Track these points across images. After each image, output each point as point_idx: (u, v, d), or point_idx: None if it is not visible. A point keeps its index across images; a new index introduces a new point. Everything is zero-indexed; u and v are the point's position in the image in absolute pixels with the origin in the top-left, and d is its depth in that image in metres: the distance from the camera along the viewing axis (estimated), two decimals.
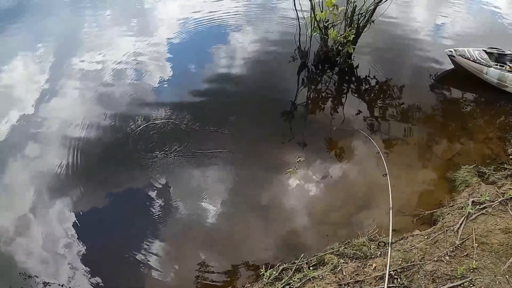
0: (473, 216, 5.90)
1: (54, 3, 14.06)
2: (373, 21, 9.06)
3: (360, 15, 8.94)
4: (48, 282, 6.08)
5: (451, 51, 9.17)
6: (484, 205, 6.05)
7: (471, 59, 8.89)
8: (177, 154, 7.66)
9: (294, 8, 8.91)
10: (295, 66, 10.04)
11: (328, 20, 9.03)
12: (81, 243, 6.51)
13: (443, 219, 6.15)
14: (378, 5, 8.77)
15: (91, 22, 12.65)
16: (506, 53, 9.21)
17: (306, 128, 8.49)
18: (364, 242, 6.02)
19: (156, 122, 8.37)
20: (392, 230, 6.20)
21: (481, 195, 6.29)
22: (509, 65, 8.91)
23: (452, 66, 9.63)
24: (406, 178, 7.16)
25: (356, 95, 9.58)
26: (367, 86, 9.63)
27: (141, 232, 6.59)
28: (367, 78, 9.76)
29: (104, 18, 12.97)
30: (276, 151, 7.79)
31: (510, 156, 7.53)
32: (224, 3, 13.24)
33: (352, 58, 9.80)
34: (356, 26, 8.94)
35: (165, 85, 9.65)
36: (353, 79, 9.93)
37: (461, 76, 9.53)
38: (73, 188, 7.27)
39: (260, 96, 9.06)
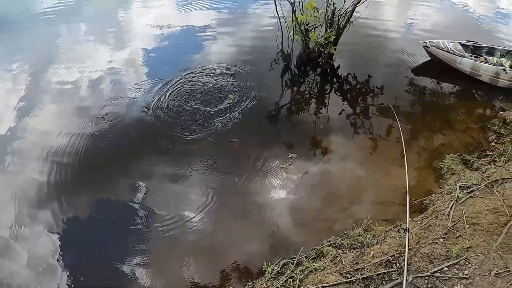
0: (462, 200, 6.14)
1: (28, 19, 13.82)
2: (352, 22, 9.34)
3: (340, 16, 9.17)
4: None
5: (425, 42, 9.63)
6: (471, 189, 6.31)
7: (445, 49, 9.32)
8: (163, 160, 7.72)
9: (276, 12, 9.14)
10: (278, 69, 10.24)
11: (309, 22, 9.24)
12: (66, 257, 6.37)
13: (433, 205, 6.36)
14: (356, 6, 9.04)
15: (65, 36, 12.55)
16: (482, 45, 9.69)
17: (292, 127, 8.63)
18: (359, 233, 6.18)
19: (140, 129, 8.42)
20: (384, 220, 6.56)
21: (468, 180, 6.50)
22: (484, 57, 9.33)
23: (428, 58, 10.03)
24: (394, 171, 7.37)
25: (338, 93, 9.90)
26: (349, 85, 9.95)
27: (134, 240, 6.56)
28: (349, 76, 10.07)
29: (79, 31, 12.87)
30: (267, 150, 7.91)
31: (492, 143, 7.84)
32: (206, 11, 13.50)
33: (334, 58, 10.09)
34: (336, 27, 9.15)
35: (144, 95, 9.53)
36: (335, 78, 10.23)
37: (436, 67, 10.01)
38: (53, 202, 7.14)
39: (244, 99, 9.13)
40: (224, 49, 11.19)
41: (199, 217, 6.79)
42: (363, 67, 10.26)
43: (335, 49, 9.47)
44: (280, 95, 9.58)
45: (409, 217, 6.35)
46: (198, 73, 9.99)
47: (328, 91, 10.00)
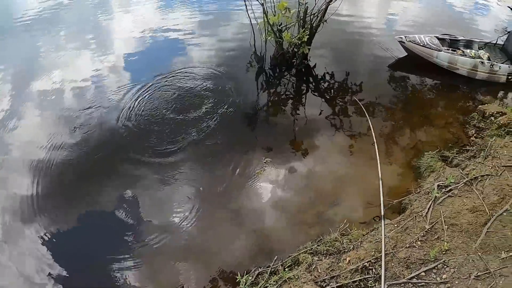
0: (440, 200, 5.91)
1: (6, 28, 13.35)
2: (325, 21, 9.11)
3: (312, 16, 8.93)
4: None
5: (401, 38, 9.44)
6: (449, 188, 6.08)
7: (421, 44, 9.13)
8: (138, 168, 7.41)
9: (247, 14, 8.80)
10: (252, 71, 9.95)
11: (281, 23, 8.99)
12: (54, 265, 6.08)
13: (411, 206, 6.09)
14: (329, 4, 8.83)
15: (46, 44, 12.04)
16: (459, 39, 9.54)
17: (269, 130, 8.34)
18: (336, 237, 5.92)
19: (111, 142, 8.03)
20: (362, 223, 6.34)
21: (446, 178, 6.28)
22: (461, 50, 9.15)
23: (406, 54, 9.81)
24: (372, 170, 7.07)
25: (315, 93, 9.61)
26: (325, 84, 9.68)
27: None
28: (325, 76, 9.81)
29: (59, 38, 12.40)
30: (241, 155, 7.63)
31: (471, 138, 7.62)
32: (176, 16, 13.07)
33: (308, 58, 9.82)
34: (309, 27, 8.93)
35: (116, 102, 9.07)
36: (311, 78, 9.95)
37: (414, 62, 9.81)
38: (40, 211, 6.83)
39: (219, 104, 8.81)
40: (199, 52, 10.88)
41: (173, 229, 6.50)
42: (340, 65, 10.02)
43: (309, 49, 9.22)
44: (255, 98, 9.25)
45: (388, 219, 6.18)
46: (171, 76, 9.67)
47: (304, 91, 9.73)
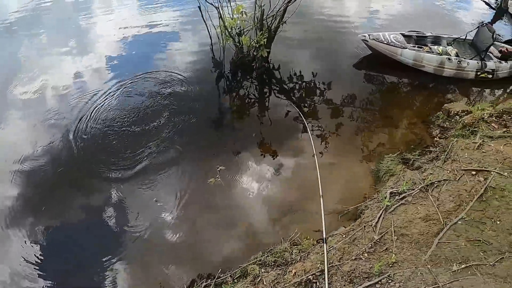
0: (392, 208, 5.60)
1: None
2: (285, 22, 8.69)
3: (272, 18, 8.56)
4: None
5: (364, 36, 9.07)
6: (403, 195, 5.71)
7: (385, 42, 8.75)
8: (98, 182, 7.03)
9: (202, 19, 8.38)
10: (212, 76, 9.46)
11: (240, 27, 8.61)
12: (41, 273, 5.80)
13: (363, 214, 5.74)
14: (288, 5, 8.42)
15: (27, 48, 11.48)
16: (426, 35, 9.17)
17: (227, 137, 7.93)
18: (286, 248, 5.62)
19: (65, 160, 7.49)
20: (316, 231, 5.98)
21: (406, 182, 6.01)
22: (429, 46, 8.79)
23: (370, 52, 9.41)
24: (330, 175, 6.80)
25: (276, 97, 9.05)
26: (286, 86, 9.26)
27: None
28: (285, 78, 9.40)
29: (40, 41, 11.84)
30: (195, 163, 7.29)
31: (435, 138, 7.29)
32: (137, 21, 12.44)
33: (269, 60, 9.40)
34: (267, 29, 8.52)
35: (77, 110, 8.59)
36: (272, 81, 9.49)
37: (379, 61, 9.44)
38: (24, 218, 6.53)
39: (177, 111, 8.35)
40: (159, 57, 10.38)
41: (125, 244, 6.13)
42: (303, 66, 9.59)
43: (268, 51, 8.79)
44: (213, 104, 8.77)
45: (343, 226, 5.96)
46: (131, 82, 9.23)
47: (263, 95, 9.23)
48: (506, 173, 5.80)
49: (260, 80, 9.37)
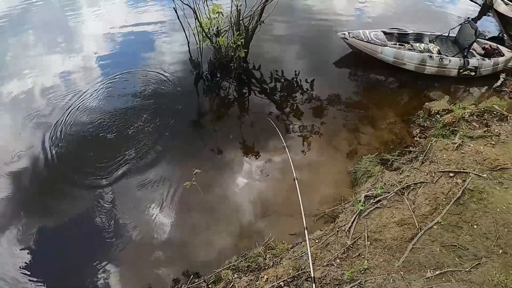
0: (367, 212, 5.44)
1: None
2: (262, 21, 8.46)
3: (249, 18, 8.37)
4: None
5: (344, 34, 8.88)
6: (378, 198, 5.55)
7: (365, 39, 8.56)
8: (76, 190, 6.78)
9: (178, 20, 8.06)
10: (190, 78, 9.15)
11: (217, 27, 8.36)
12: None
13: (337, 218, 5.59)
14: (265, 5, 8.22)
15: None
16: (408, 32, 9.00)
17: (204, 139, 7.71)
18: (260, 252, 5.47)
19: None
20: (292, 234, 5.84)
21: (382, 185, 5.85)
22: (410, 44, 8.61)
23: (350, 50, 9.19)
24: (308, 176, 6.64)
25: (254, 98, 8.80)
26: (265, 86, 9.04)
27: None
28: (267, 77, 9.18)
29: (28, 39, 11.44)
30: (171, 167, 7.08)
31: (415, 138, 7.14)
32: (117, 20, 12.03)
33: (248, 60, 9.20)
34: (244, 30, 8.30)
35: (54, 112, 8.27)
36: (252, 81, 9.24)
37: (359, 59, 9.26)
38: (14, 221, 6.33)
39: (154, 114, 8.08)
40: (136, 57, 10.04)
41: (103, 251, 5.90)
42: (282, 65, 9.39)
43: (245, 52, 8.59)
44: (193, 106, 8.51)
45: (319, 229, 5.80)
46: (109, 82, 8.99)
47: (241, 96, 8.93)
48: (485, 175, 5.65)
49: (239, 80, 9.12)
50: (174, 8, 7.79)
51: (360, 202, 5.54)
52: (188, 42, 8.30)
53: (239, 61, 8.76)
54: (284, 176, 6.67)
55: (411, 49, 8.57)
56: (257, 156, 7.21)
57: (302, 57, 9.71)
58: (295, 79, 9.00)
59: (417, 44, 8.78)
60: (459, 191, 5.45)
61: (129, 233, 6.07)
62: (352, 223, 5.31)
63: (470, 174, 5.67)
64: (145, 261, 5.75)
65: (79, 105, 8.28)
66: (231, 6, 8.17)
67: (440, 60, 8.34)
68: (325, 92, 8.55)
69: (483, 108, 7.03)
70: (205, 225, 6.15)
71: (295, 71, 9.15)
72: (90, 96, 8.52)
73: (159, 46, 10.41)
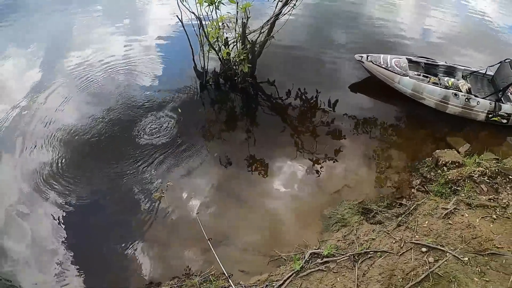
0: (306, 272, 4.71)
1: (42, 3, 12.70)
2: (273, 36, 7.86)
3: (258, 31, 7.85)
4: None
5: (361, 56, 7.91)
6: (327, 259, 4.79)
7: (383, 66, 7.53)
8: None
9: (183, 28, 7.67)
10: (195, 87, 8.72)
11: (227, 37, 7.95)
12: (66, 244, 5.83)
13: (278, 269, 4.96)
14: (277, 19, 7.64)
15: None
16: (439, 64, 7.79)
17: (178, 151, 7.28)
18: (195, 283, 5.12)
19: None
20: (241, 271, 5.40)
21: (335, 244, 5.09)
22: (438, 77, 7.49)
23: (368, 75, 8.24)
24: (281, 209, 6.22)
25: (255, 115, 8.38)
26: (270, 105, 8.50)
27: None
28: (273, 94, 8.59)
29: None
30: (144, 177, 6.78)
31: (413, 190, 6.19)
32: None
33: (255, 76, 8.64)
34: (251, 44, 7.76)
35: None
36: (254, 98, 8.71)
37: (378, 86, 8.24)
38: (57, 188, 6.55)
39: (155, 121, 7.86)
40: (141, 65, 9.58)
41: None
42: (294, 83, 8.69)
43: (249, 67, 8.00)
44: (192, 117, 8.08)
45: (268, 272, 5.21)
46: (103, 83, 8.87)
47: (241, 113, 8.47)
48: (466, 258, 4.70)
49: (242, 96, 8.62)
50: (177, 15, 7.46)
51: (299, 260, 4.84)
52: (193, 51, 7.95)
53: (243, 75, 8.24)
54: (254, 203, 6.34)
55: (436, 83, 7.45)
56: (228, 180, 6.84)
57: (316, 75, 9.00)
58: (300, 100, 8.39)
59: (446, 78, 7.65)
60: (423, 273, 4.53)
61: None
62: (284, 281, 4.64)
63: (447, 254, 4.72)
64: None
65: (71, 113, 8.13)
66: (236, 19, 7.72)
67: (467, 100, 7.20)
68: (328, 117, 7.89)
69: (497, 170, 5.86)
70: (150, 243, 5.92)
71: (302, 90, 8.54)
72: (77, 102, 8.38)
73: (163, 53, 10.08)
